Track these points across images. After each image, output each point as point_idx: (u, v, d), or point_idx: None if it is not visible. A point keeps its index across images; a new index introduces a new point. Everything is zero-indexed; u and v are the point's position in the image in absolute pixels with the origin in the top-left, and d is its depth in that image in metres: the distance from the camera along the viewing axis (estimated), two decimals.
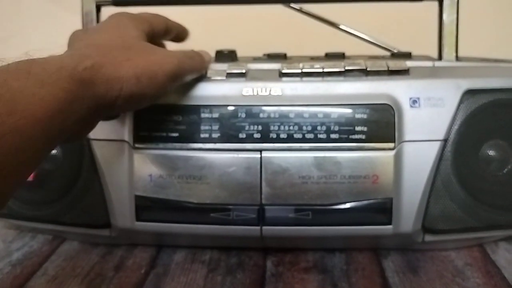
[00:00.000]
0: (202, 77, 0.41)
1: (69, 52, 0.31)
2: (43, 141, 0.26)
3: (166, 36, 0.41)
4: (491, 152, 0.41)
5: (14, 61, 0.27)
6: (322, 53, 0.48)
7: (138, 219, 0.41)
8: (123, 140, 0.40)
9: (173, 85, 0.36)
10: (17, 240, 0.47)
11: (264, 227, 0.40)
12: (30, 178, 0.43)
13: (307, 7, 0.51)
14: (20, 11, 0.79)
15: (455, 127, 0.39)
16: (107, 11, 0.41)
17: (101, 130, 0.40)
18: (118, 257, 0.44)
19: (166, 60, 0.34)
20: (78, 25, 0.45)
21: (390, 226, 0.40)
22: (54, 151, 0.43)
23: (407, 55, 0.47)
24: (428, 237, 0.41)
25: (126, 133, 0.40)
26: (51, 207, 0.43)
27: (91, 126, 0.33)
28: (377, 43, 0.50)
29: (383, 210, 0.39)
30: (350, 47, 0.49)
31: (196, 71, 0.39)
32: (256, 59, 0.47)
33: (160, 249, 0.45)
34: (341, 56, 0.47)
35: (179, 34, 0.43)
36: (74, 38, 0.34)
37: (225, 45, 0.48)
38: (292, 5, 0.50)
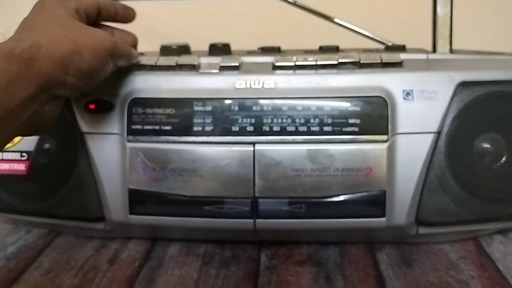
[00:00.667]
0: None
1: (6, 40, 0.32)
2: None
3: (101, 15, 0.39)
4: (485, 145, 0.41)
5: None
6: (317, 47, 0.48)
7: (132, 212, 0.41)
8: (116, 134, 0.40)
9: (111, 64, 0.36)
10: (12, 234, 0.47)
11: (257, 220, 0.40)
12: (24, 172, 0.43)
13: (302, 0, 0.51)
14: (17, 5, 0.79)
15: (449, 119, 0.39)
16: None
17: (95, 124, 0.41)
18: (113, 250, 0.44)
19: (103, 36, 0.35)
20: None
21: (383, 219, 0.40)
22: (47, 145, 0.43)
23: (401, 48, 0.47)
24: (422, 230, 0.41)
25: (119, 126, 0.40)
26: (46, 201, 0.43)
27: (50, 111, 0.33)
28: (372, 36, 0.50)
29: (376, 203, 0.39)
30: (344, 40, 0.48)
31: (126, 56, 0.39)
32: (250, 53, 0.47)
33: (154, 242, 0.45)
34: (335, 50, 0.47)
35: (119, 13, 0.41)
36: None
37: (219, 39, 0.48)
38: None
